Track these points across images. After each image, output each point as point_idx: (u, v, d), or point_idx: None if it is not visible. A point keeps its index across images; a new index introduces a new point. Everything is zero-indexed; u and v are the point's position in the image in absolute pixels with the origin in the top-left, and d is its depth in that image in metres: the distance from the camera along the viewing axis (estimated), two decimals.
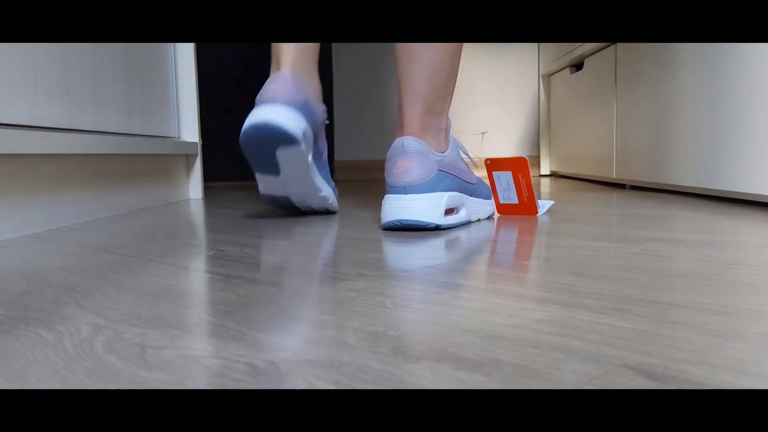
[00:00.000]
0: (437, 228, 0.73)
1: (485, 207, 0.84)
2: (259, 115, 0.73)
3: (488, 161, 0.88)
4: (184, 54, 1.36)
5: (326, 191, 0.88)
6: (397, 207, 0.71)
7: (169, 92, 1.31)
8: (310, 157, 0.80)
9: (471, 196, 0.81)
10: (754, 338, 0.30)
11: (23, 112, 0.75)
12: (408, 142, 0.72)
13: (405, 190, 0.71)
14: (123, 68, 1.07)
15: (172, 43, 1.34)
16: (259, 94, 0.77)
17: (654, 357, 0.28)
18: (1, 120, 0.71)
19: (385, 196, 0.74)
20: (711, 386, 0.24)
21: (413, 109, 0.76)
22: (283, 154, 0.78)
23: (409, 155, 0.71)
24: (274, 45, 0.85)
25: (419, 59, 0.77)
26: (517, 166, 0.86)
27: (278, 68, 0.82)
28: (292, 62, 0.81)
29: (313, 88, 0.85)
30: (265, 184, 0.84)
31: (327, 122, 0.87)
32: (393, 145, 0.73)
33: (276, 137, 0.75)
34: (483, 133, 1.22)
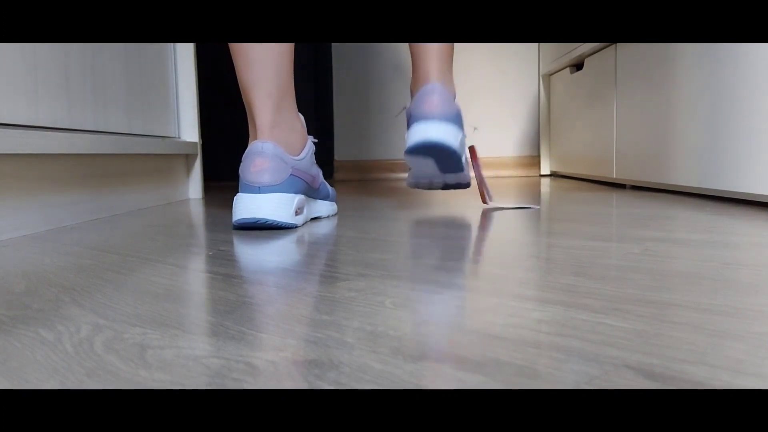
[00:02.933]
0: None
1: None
2: (248, 210, 0.75)
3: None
4: (184, 54, 1.36)
5: (326, 212, 0.92)
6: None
7: (169, 92, 1.31)
8: (304, 220, 0.82)
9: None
10: (754, 338, 0.30)
11: (23, 112, 0.75)
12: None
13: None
14: (123, 68, 1.07)
15: (172, 43, 1.34)
16: (242, 172, 0.77)
17: (654, 357, 0.28)
18: (1, 120, 0.71)
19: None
20: (711, 386, 0.24)
21: (434, 60, 0.86)
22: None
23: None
24: (245, 94, 0.81)
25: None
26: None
27: (255, 135, 0.80)
28: (270, 123, 0.79)
29: (294, 138, 0.83)
30: None
31: (315, 140, 0.89)
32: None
33: (272, 228, 0.78)
34: (474, 129, 1.27)
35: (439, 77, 0.87)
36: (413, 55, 0.91)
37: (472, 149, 1.00)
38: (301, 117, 0.86)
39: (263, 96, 0.80)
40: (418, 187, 0.98)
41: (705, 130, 1.01)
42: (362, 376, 0.26)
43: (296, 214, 0.78)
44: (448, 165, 0.88)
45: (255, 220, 0.75)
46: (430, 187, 0.98)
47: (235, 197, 0.78)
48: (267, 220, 0.75)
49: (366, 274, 0.48)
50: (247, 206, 0.75)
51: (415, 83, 0.91)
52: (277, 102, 0.80)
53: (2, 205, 0.72)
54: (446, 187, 0.97)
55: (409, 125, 0.87)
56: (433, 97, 0.84)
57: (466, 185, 0.96)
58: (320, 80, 2.23)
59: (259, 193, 0.75)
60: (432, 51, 0.88)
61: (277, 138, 0.79)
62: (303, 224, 0.82)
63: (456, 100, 0.90)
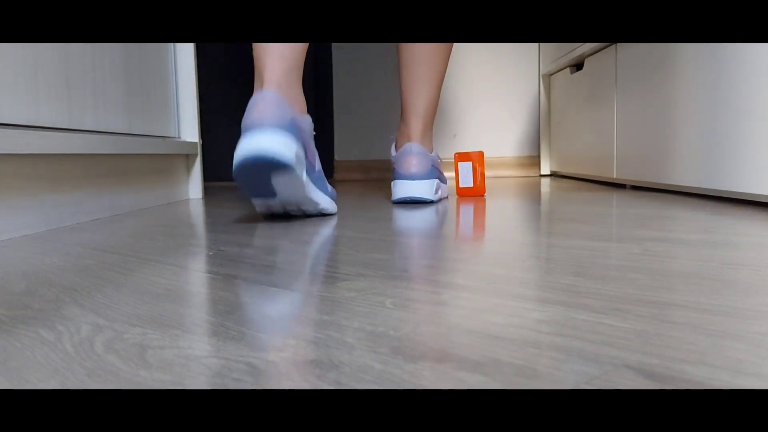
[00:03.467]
0: (432, 202, 1.09)
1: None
2: (250, 145, 0.75)
3: (456, 154, 1.24)
4: (184, 54, 1.36)
5: (323, 202, 0.90)
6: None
7: (169, 92, 1.31)
8: (304, 176, 0.81)
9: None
10: (754, 338, 0.30)
11: (23, 112, 0.75)
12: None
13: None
14: (123, 68, 1.07)
15: (172, 43, 1.34)
16: (244, 118, 0.78)
17: (654, 357, 0.28)
18: (1, 120, 0.71)
19: (396, 180, 1.08)
20: (711, 386, 0.24)
21: (417, 123, 1.13)
22: (278, 180, 0.79)
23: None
24: (257, 58, 0.84)
25: (424, 78, 1.12)
26: (476, 158, 1.22)
27: (261, 86, 0.83)
28: (277, 78, 0.82)
29: (298, 102, 0.85)
30: (262, 205, 0.87)
31: (314, 133, 0.98)
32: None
33: (270, 166, 0.76)
34: (454, 135, 1.45)
35: (419, 138, 1.12)
36: (403, 106, 1.15)
37: (480, 155, 1.24)
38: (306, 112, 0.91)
39: (276, 57, 0.83)
40: None
41: (705, 130, 1.01)
42: (362, 376, 0.26)
43: (297, 161, 0.77)
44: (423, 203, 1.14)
45: (255, 156, 0.72)
46: None
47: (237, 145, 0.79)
48: (267, 154, 0.72)
49: (366, 274, 0.48)
50: (247, 145, 0.73)
51: (401, 135, 1.15)
52: (287, 67, 0.84)
53: (2, 205, 0.72)
54: None
55: (394, 176, 1.12)
56: (411, 157, 1.09)
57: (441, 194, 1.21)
58: (320, 80, 2.23)
59: (261, 130, 0.74)
60: (417, 112, 1.13)
61: (282, 92, 0.82)
62: (302, 175, 0.80)
63: (433, 152, 1.17)
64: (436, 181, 1.11)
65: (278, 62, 0.83)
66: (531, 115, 2.17)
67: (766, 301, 0.37)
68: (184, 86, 1.36)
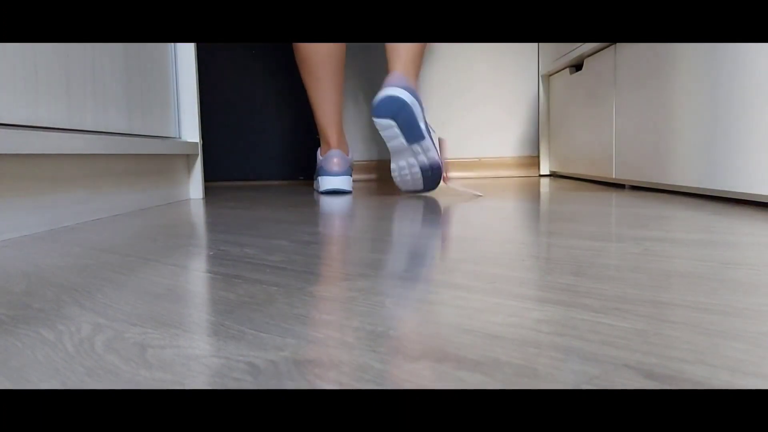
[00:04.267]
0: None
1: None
2: (332, 183, 1.38)
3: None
4: (184, 54, 1.36)
5: (350, 180, 1.44)
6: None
7: (169, 92, 1.31)
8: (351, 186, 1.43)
9: (436, 147, 1.25)
10: (754, 338, 0.30)
11: (23, 112, 0.75)
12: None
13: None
14: (123, 68, 1.07)
15: (172, 43, 1.34)
16: (325, 166, 1.39)
17: (654, 357, 0.28)
18: (1, 120, 0.71)
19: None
20: (711, 386, 0.25)
21: (402, 53, 1.23)
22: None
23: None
24: (320, 126, 1.44)
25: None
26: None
27: (329, 146, 1.44)
28: (338, 141, 1.43)
29: (347, 148, 1.48)
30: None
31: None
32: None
33: (341, 192, 1.37)
34: (439, 137, 1.59)
35: (402, 69, 1.17)
36: (387, 56, 1.20)
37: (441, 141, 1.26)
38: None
39: (332, 123, 1.44)
40: (405, 186, 1.28)
41: (704, 130, 1.01)
42: (362, 376, 0.26)
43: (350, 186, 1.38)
44: (409, 126, 1.16)
45: (334, 189, 1.42)
46: (413, 177, 1.25)
47: None
48: (342, 187, 1.40)
49: (366, 274, 0.48)
50: (330, 183, 1.43)
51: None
52: (340, 127, 1.45)
53: (2, 205, 0.72)
54: (424, 173, 1.23)
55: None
56: (393, 77, 1.14)
57: (438, 169, 1.21)
58: None
59: (338, 174, 1.39)
60: (399, 48, 1.18)
61: (341, 149, 1.46)
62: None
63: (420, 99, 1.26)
64: (420, 108, 1.15)
65: (335, 126, 1.42)
66: (530, 115, 2.17)
67: (766, 301, 0.37)
68: (185, 86, 1.36)
